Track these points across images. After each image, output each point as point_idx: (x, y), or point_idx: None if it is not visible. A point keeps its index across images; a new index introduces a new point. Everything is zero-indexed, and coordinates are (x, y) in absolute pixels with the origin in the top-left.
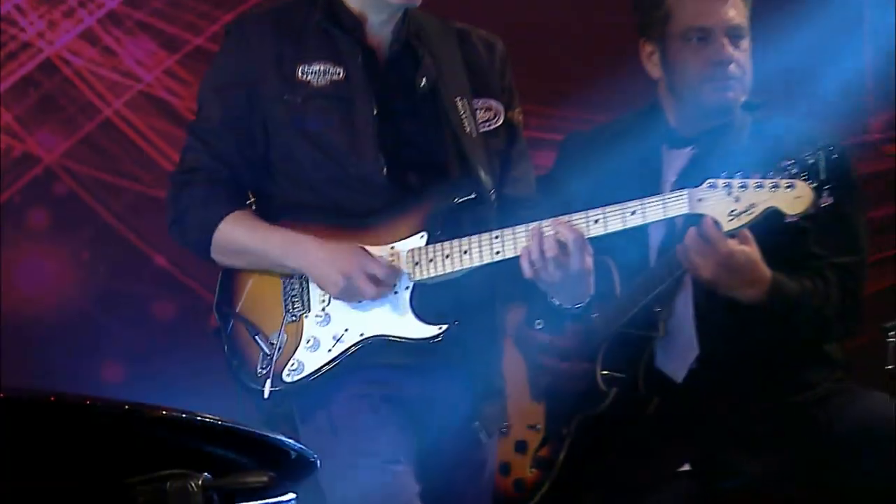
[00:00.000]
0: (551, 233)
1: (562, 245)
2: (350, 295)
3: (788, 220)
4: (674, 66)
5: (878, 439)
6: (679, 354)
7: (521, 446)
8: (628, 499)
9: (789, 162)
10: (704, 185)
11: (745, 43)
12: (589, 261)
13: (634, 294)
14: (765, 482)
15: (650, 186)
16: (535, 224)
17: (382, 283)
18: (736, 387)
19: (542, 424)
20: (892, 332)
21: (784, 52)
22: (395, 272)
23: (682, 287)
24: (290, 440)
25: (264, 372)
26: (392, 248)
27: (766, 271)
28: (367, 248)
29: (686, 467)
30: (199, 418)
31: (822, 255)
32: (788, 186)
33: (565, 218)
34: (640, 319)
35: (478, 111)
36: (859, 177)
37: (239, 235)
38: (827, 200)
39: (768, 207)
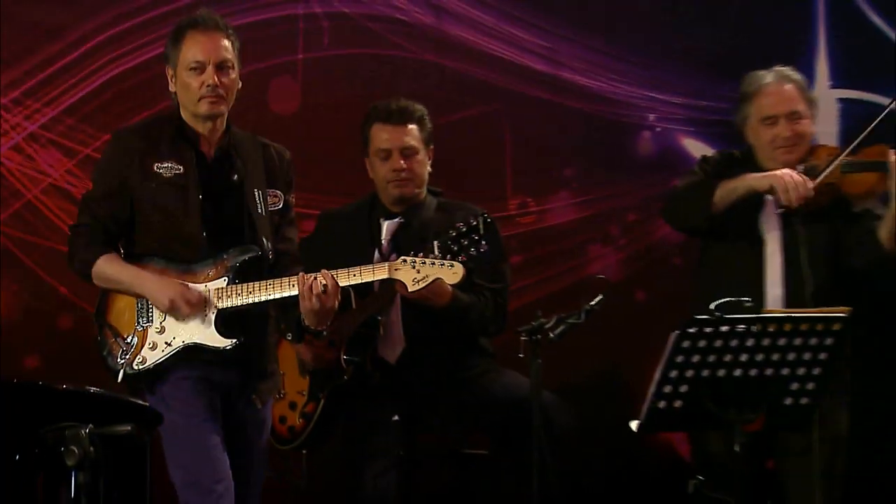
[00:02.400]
0: (325, 279)
1: (324, 287)
2: (174, 312)
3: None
4: (374, 172)
5: (515, 399)
6: (392, 345)
7: (293, 405)
8: (359, 438)
9: (460, 224)
10: (399, 260)
11: (419, 156)
12: (336, 301)
13: (364, 308)
14: (445, 429)
15: (374, 243)
16: (310, 275)
17: (195, 306)
18: (428, 367)
19: (307, 391)
20: (523, 333)
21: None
22: (203, 299)
23: (395, 303)
24: (145, 403)
25: (121, 362)
26: (206, 286)
27: (449, 290)
28: (190, 284)
29: (396, 418)
30: (87, 390)
31: (481, 283)
32: (450, 265)
33: (329, 272)
34: (369, 323)
35: (268, 197)
36: (503, 237)
37: (107, 270)
38: (485, 247)
39: (437, 278)
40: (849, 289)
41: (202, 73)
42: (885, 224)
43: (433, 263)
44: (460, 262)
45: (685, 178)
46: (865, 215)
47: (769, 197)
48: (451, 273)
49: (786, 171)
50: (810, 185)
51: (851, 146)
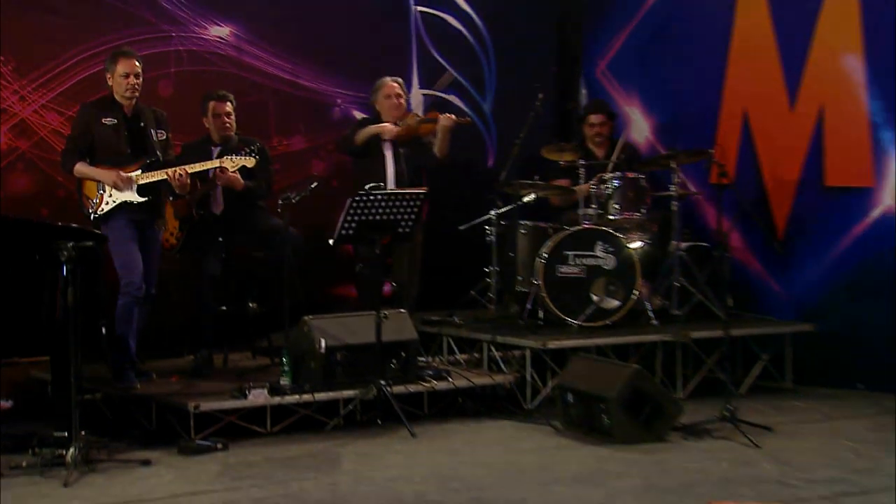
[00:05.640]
0: (180, 171)
1: (180, 175)
2: (115, 185)
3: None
4: (210, 125)
5: (277, 230)
6: (217, 205)
7: (171, 234)
8: (204, 247)
9: (248, 148)
10: (224, 157)
11: (232, 116)
12: (188, 181)
13: (205, 188)
14: (244, 244)
15: (208, 159)
16: (178, 167)
17: (125, 181)
18: (236, 215)
19: (178, 226)
20: (280, 199)
21: None
22: (129, 179)
23: (217, 187)
24: (99, 232)
25: (90, 211)
26: (130, 174)
27: (242, 182)
28: (122, 173)
29: (220, 239)
30: (71, 225)
31: (264, 175)
32: (247, 157)
33: (184, 167)
34: (206, 194)
35: (157, 134)
36: (271, 155)
37: (81, 169)
38: (255, 158)
39: (241, 165)
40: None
41: (128, 79)
42: (436, 146)
43: (240, 157)
44: (252, 157)
45: (350, 129)
46: (425, 141)
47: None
48: (249, 160)
49: (386, 125)
50: (395, 130)
51: (423, 115)
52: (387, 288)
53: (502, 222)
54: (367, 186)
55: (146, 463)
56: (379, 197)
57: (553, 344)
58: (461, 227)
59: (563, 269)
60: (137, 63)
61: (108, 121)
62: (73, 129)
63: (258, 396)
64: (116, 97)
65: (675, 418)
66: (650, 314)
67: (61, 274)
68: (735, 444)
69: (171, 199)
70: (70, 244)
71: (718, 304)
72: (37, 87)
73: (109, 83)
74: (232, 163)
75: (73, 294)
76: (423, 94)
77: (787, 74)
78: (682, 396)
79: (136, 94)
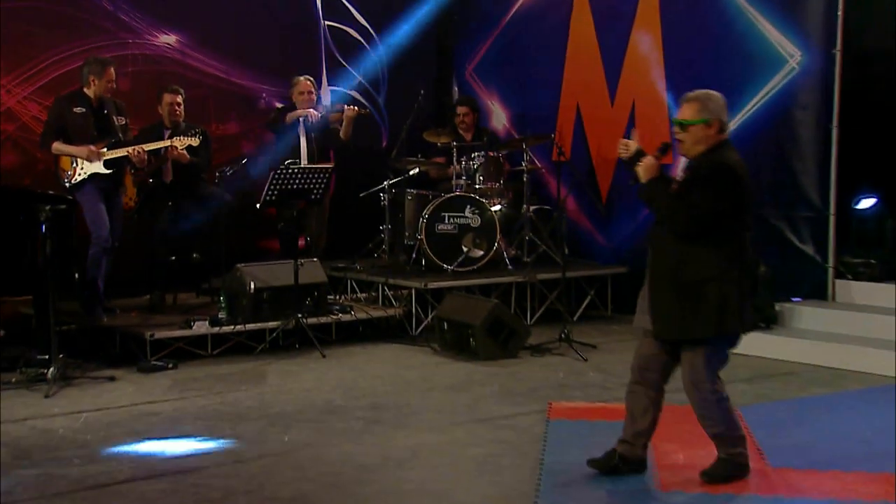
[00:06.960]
0: (138, 149)
1: (139, 152)
2: (87, 158)
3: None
4: (164, 113)
5: (216, 195)
6: (167, 176)
7: (130, 198)
8: (157, 209)
9: (193, 131)
10: (175, 138)
11: (182, 105)
12: (145, 157)
13: (156, 162)
14: (189, 205)
15: (162, 139)
16: (137, 146)
17: (95, 155)
18: (183, 185)
19: (136, 193)
20: (217, 172)
21: None
22: (98, 153)
23: (168, 160)
24: (72, 197)
25: (66, 181)
26: (99, 151)
27: (188, 157)
28: (93, 147)
29: (170, 203)
30: (49, 192)
31: (205, 153)
32: (192, 137)
33: (141, 146)
34: (158, 167)
35: (118, 119)
36: (211, 137)
37: (58, 147)
38: (199, 139)
39: (188, 144)
40: (322, 158)
41: (111, 83)
42: (342, 131)
43: (187, 137)
44: (196, 137)
45: (274, 113)
46: (332, 126)
47: (300, 120)
48: (194, 140)
49: (311, 110)
50: (316, 114)
51: (333, 108)
52: (301, 242)
53: (393, 190)
54: (286, 162)
55: (111, 379)
56: (295, 170)
57: (432, 284)
58: (362, 194)
59: (441, 226)
60: (114, 70)
61: (78, 110)
62: (50, 116)
63: (201, 327)
64: (89, 92)
65: (525, 340)
66: (507, 261)
67: (40, 231)
68: (569, 359)
69: (131, 171)
70: (47, 207)
71: (558, 252)
72: (20, 82)
73: (91, 81)
74: (181, 142)
75: (49, 246)
76: (331, 91)
77: (608, 77)
78: (530, 323)
79: (112, 94)
